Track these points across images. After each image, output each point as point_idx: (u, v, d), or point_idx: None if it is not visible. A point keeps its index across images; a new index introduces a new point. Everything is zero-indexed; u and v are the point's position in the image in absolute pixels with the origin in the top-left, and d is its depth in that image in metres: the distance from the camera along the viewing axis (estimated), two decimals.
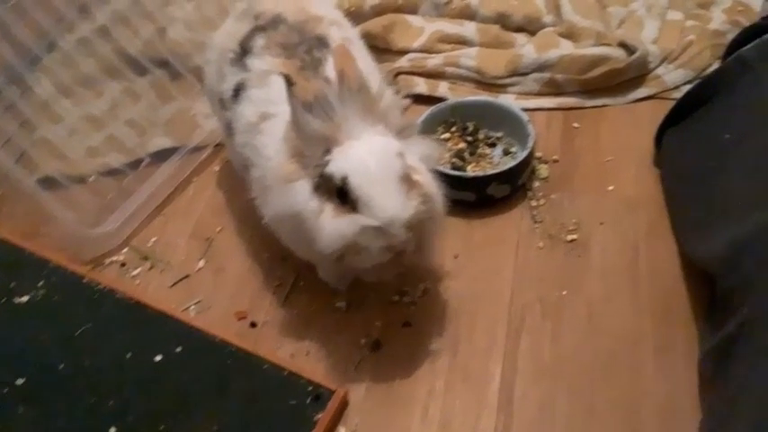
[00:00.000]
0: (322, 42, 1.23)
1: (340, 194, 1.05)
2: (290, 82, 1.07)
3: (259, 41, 1.24)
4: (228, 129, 1.27)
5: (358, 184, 1.03)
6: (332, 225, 1.05)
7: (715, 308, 1.10)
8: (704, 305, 1.16)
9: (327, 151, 1.07)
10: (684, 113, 1.35)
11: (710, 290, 1.12)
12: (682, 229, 1.27)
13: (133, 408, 1.10)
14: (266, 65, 1.21)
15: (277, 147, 1.14)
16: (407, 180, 1.06)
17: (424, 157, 1.15)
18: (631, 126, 1.50)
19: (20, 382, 1.12)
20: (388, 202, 1.03)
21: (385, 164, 1.05)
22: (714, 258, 1.10)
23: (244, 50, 1.25)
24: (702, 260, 1.16)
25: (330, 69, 1.16)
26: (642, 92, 1.55)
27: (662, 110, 1.43)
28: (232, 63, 1.26)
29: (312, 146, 1.08)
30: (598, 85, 1.55)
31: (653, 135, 1.42)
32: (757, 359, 0.95)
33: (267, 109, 1.18)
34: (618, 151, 1.46)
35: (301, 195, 1.09)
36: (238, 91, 1.23)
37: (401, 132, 1.15)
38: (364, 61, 1.23)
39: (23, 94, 1.48)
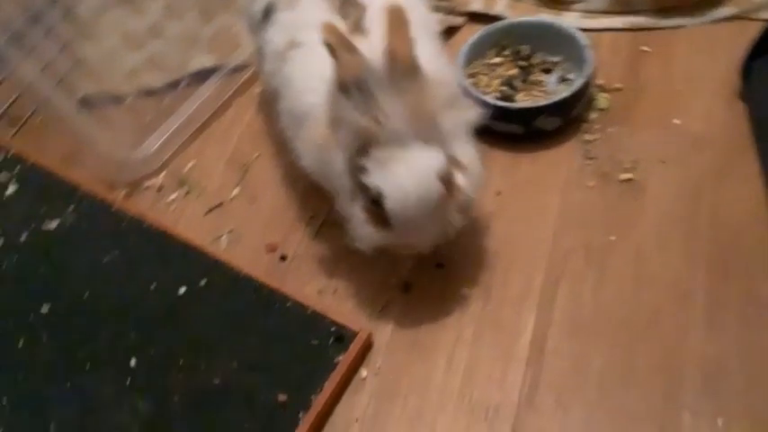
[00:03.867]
0: None
1: (374, 202, 0.99)
2: (333, 54, 0.95)
3: None
4: (260, 54, 1.20)
5: (394, 210, 0.97)
6: (363, 230, 1.01)
7: None
8: None
9: (365, 150, 0.97)
10: None
11: None
12: None
13: (155, 340, 1.09)
14: None
15: (309, 84, 1.05)
16: (448, 191, 0.98)
17: (465, 124, 1.05)
18: (708, 51, 1.34)
19: (45, 308, 1.12)
20: (421, 235, 0.99)
21: (424, 190, 0.96)
22: None
23: None
24: None
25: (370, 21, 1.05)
26: (724, 11, 1.37)
27: (745, 33, 1.28)
28: None
29: (347, 132, 0.98)
30: (673, 3, 1.39)
31: (732, 62, 1.26)
32: None
33: (296, 36, 1.09)
34: (690, 80, 1.31)
35: (334, 164, 1.02)
36: (268, 13, 1.15)
37: (447, 103, 1.03)
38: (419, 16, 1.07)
39: (65, 17, 1.45)
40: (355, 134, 0.97)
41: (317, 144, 1.03)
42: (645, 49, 1.37)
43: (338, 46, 0.95)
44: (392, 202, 0.96)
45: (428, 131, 0.97)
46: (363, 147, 0.97)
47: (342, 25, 1.05)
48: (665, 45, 1.37)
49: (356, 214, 1.02)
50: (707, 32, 1.37)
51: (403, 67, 0.96)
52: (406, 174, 0.95)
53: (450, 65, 1.16)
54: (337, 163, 1.02)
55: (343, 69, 0.95)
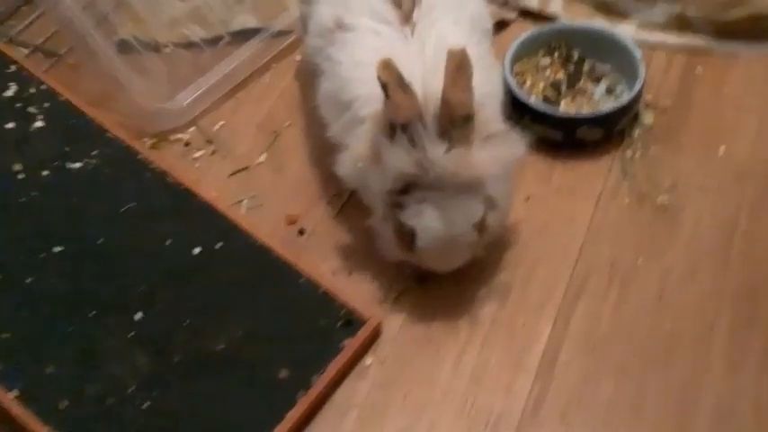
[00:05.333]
0: None
1: (405, 232, 0.98)
2: (386, 92, 0.91)
3: None
4: (304, 23, 1.17)
5: (424, 248, 0.97)
6: (389, 248, 1.02)
7: None
8: None
9: (405, 191, 0.95)
10: None
11: None
12: None
13: (163, 297, 1.07)
14: None
15: (357, 74, 1.02)
16: (479, 233, 0.99)
17: (506, 164, 1.01)
18: (761, 82, 1.31)
19: (57, 249, 1.10)
20: (444, 265, 1.02)
21: (457, 239, 0.97)
22: None
23: None
24: None
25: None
26: None
27: None
28: None
29: (389, 170, 0.95)
30: (734, 29, 1.35)
31: None
32: None
33: (344, 15, 1.06)
34: (740, 108, 1.28)
35: (371, 185, 1.01)
36: None
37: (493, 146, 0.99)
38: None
39: None
40: (397, 176, 0.95)
41: (357, 166, 1.00)
42: (698, 71, 1.33)
43: (393, 85, 0.91)
44: (424, 242, 0.97)
45: (471, 180, 0.95)
46: (404, 189, 0.95)
47: (394, 14, 1.02)
48: (720, 70, 1.33)
49: (385, 233, 1.02)
50: (764, 63, 1.33)
51: (457, 119, 0.92)
52: (443, 222, 0.95)
53: (496, 68, 1.13)
54: (374, 186, 0.99)
55: (393, 110, 0.92)
